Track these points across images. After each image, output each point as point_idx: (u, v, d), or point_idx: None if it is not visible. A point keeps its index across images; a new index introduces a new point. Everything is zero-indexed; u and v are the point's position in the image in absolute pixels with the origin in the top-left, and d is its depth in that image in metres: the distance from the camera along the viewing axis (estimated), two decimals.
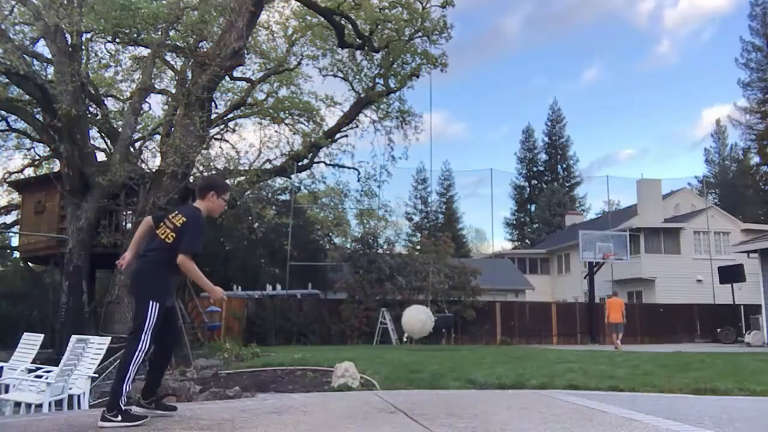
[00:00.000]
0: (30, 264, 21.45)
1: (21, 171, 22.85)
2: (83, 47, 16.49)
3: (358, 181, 25.14)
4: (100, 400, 9.02)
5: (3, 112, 19.69)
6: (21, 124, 20.67)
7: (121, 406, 4.18)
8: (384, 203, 26.54)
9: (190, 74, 15.99)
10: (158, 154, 17.42)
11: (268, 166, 23.38)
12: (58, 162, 18.08)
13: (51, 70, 16.61)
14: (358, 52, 22.19)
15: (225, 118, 22.47)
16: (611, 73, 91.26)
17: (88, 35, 16.95)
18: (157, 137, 19.52)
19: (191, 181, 17.72)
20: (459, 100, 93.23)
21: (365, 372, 7.85)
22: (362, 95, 22.97)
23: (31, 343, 8.77)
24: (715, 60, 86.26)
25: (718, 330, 23.58)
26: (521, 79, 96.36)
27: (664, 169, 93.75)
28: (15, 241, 26.08)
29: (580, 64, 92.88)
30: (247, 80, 21.88)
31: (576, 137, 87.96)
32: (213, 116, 17.84)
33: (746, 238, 26.43)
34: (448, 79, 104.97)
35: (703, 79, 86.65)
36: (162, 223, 4.59)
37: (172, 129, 15.11)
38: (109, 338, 8.61)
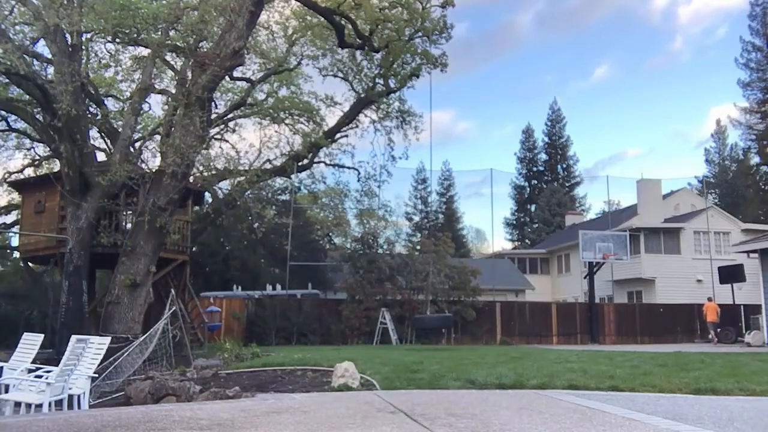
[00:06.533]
0: (30, 264, 21.41)
1: (21, 171, 22.86)
2: (83, 47, 16.47)
3: (358, 181, 25.20)
4: (100, 400, 9.03)
5: (3, 112, 19.69)
6: (21, 124, 20.67)
7: None
8: (384, 203, 26.61)
9: (190, 74, 15.96)
10: (158, 154, 17.42)
11: (268, 166, 23.41)
12: (58, 162, 18.06)
13: (51, 70, 16.58)
14: (358, 52, 22.19)
15: (225, 118, 22.48)
16: (621, 71, 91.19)
17: (88, 35, 16.94)
18: (157, 137, 19.51)
19: (191, 181, 17.74)
20: (466, 98, 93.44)
21: (365, 372, 7.85)
22: (362, 95, 22.98)
23: (31, 343, 8.78)
24: (725, 58, 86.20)
25: (718, 330, 23.59)
26: (530, 77, 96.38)
27: (665, 169, 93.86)
28: (15, 241, 26.10)
29: (590, 62, 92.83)
30: (247, 80, 21.88)
31: (583, 136, 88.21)
32: (213, 116, 17.83)
33: (746, 238, 26.43)
34: (454, 77, 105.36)
35: (712, 78, 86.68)
36: None
37: (172, 129, 15.09)
38: (109, 338, 8.63)
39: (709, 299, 24.32)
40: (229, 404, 5.62)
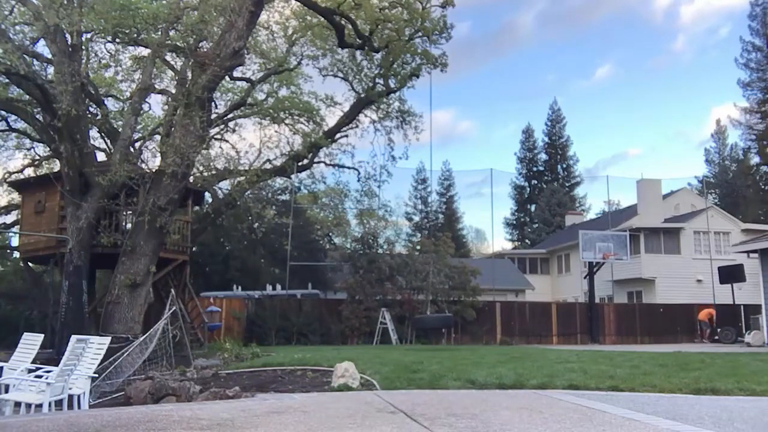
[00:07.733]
0: (30, 264, 21.41)
1: (21, 171, 22.85)
2: (83, 47, 16.45)
3: (358, 181, 25.18)
4: (100, 400, 9.03)
5: (3, 112, 19.68)
6: (21, 124, 20.66)
7: None
8: (384, 203, 26.59)
9: (190, 74, 15.97)
10: (158, 154, 17.42)
11: (268, 166, 23.39)
12: (58, 162, 18.06)
13: (51, 70, 16.58)
14: (358, 52, 22.19)
15: (225, 118, 22.47)
16: (623, 70, 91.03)
17: (88, 35, 16.93)
18: (157, 137, 19.52)
19: (191, 181, 17.74)
20: (466, 98, 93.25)
21: (365, 372, 7.85)
22: (362, 95, 22.97)
23: (31, 343, 8.78)
24: (726, 58, 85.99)
25: (718, 330, 23.61)
26: (531, 76, 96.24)
27: (665, 169, 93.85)
28: (15, 241, 26.07)
29: (592, 62, 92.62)
30: (247, 80, 21.87)
31: (584, 136, 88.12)
32: (213, 116, 17.83)
33: (746, 238, 26.42)
34: (455, 77, 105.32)
35: (713, 78, 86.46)
36: None
37: (172, 129, 15.09)
38: (109, 338, 8.63)
39: (710, 304, 25.92)
40: (229, 404, 5.62)
